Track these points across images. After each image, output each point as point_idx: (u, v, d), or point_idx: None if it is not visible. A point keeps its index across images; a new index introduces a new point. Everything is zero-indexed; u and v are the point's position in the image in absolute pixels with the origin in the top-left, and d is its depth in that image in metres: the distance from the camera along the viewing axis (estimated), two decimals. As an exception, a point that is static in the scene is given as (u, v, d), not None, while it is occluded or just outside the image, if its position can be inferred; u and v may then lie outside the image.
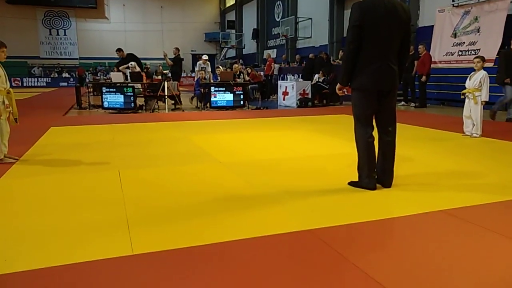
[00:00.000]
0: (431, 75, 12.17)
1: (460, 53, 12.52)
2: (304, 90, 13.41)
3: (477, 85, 6.58)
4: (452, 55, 12.81)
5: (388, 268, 2.32)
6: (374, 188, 3.77)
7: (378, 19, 3.59)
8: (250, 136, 7.24)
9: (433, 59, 12.54)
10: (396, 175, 3.93)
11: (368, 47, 3.65)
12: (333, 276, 2.27)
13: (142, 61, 13.83)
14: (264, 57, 23.14)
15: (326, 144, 6.46)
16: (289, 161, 5.17)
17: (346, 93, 4.05)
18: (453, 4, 12.79)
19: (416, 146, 5.96)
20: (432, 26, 13.62)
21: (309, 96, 13.43)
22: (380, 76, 3.67)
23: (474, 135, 6.65)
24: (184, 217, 3.18)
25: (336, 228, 2.91)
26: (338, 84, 3.94)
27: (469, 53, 11.82)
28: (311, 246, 2.62)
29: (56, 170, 4.83)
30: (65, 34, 34.23)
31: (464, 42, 12.44)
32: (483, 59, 6.66)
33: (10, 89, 5.14)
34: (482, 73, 6.57)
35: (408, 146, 5.71)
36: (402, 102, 12.86)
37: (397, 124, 3.91)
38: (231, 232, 2.82)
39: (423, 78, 11.94)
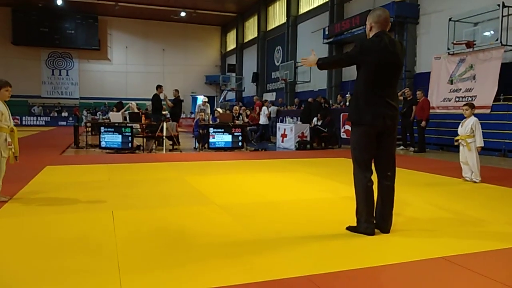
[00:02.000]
0: (430, 120, 12.25)
1: (457, 99, 12.65)
2: (302, 132, 13.47)
3: (469, 131, 6.61)
4: (450, 101, 12.94)
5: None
6: (372, 234, 3.68)
7: (380, 59, 3.62)
8: (247, 178, 7.18)
9: (431, 105, 12.66)
10: (395, 221, 3.86)
11: (369, 87, 3.67)
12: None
13: (142, 102, 13.90)
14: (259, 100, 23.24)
15: (324, 187, 6.39)
16: (286, 204, 5.09)
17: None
18: (448, 52, 13.05)
19: (415, 191, 5.90)
20: (429, 72, 13.84)
21: (308, 138, 13.48)
22: (380, 113, 3.65)
23: (474, 180, 6.61)
24: (177, 262, 3.07)
25: (334, 274, 2.82)
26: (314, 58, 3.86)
27: (466, 100, 11.93)
28: (308, 294, 2.52)
29: (48, 209, 4.73)
30: (67, 75, 34.78)
31: (460, 89, 12.60)
32: (471, 106, 6.72)
33: (14, 127, 5.15)
34: (473, 119, 6.63)
35: (407, 191, 5.65)
36: (401, 147, 12.88)
37: (397, 169, 3.87)
38: (226, 278, 2.72)
39: (423, 124, 12.00)
